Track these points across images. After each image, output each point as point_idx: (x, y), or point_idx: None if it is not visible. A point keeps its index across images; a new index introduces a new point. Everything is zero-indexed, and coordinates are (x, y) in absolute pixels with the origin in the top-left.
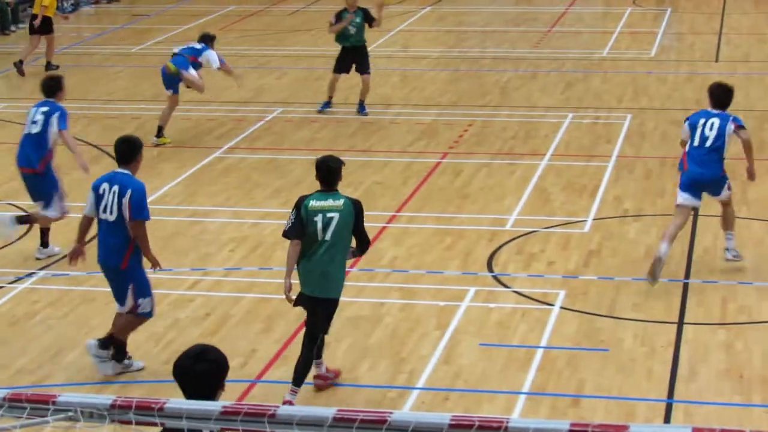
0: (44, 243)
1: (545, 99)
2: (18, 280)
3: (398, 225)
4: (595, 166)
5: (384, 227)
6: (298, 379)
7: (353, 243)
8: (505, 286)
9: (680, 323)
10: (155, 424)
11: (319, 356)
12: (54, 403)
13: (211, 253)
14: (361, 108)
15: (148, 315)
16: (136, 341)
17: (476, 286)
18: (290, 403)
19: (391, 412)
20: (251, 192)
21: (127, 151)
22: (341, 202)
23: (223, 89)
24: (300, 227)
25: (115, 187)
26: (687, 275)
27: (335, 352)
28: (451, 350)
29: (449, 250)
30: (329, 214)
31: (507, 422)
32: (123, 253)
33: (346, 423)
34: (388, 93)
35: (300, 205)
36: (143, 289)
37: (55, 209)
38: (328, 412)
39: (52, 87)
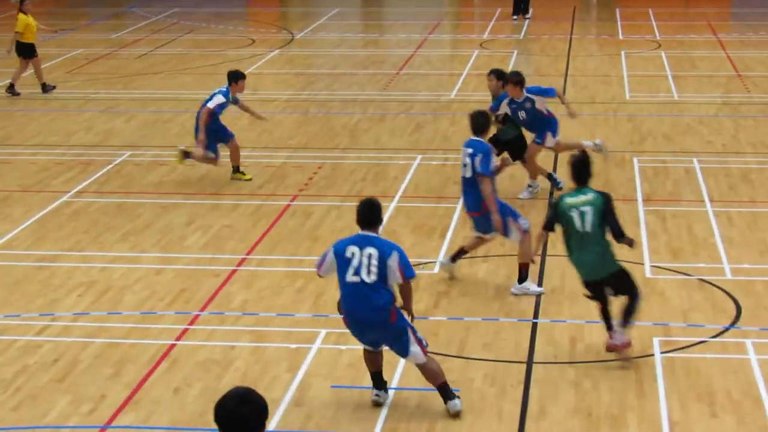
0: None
1: (394, 141)
2: None
3: (248, 268)
4: (444, 207)
5: (234, 270)
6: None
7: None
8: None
9: (529, 362)
10: None
11: (626, 322)
12: None
13: (60, 298)
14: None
15: None
16: None
17: (327, 328)
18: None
19: None
20: (100, 236)
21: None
22: (592, 196)
23: (71, 134)
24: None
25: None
26: (536, 314)
27: (186, 397)
28: (303, 392)
29: (300, 292)
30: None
31: None
32: None
33: None
34: (237, 135)
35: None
36: None
37: None
38: None
39: None
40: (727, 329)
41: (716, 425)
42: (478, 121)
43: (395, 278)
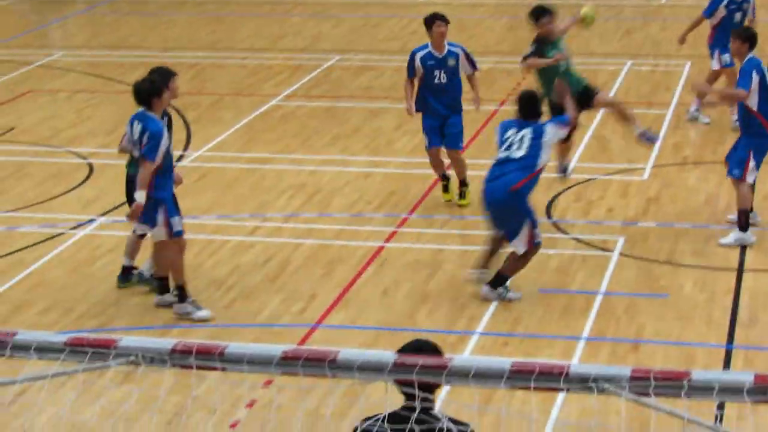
0: None
1: (603, 46)
2: (78, 226)
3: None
4: (654, 113)
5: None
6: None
7: None
8: (564, 232)
9: (740, 270)
10: (215, 369)
11: None
12: (115, 347)
13: (270, 200)
14: None
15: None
16: (197, 287)
17: None
18: None
19: (451, 358)
20: (309, 139)
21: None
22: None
23: (280, 38)
24: None
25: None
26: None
27: (394, 297)
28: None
29: None
30: None
31: (568, 367)
32: None
33: (407, 368)
34: None
35: None
36: None
37: None
38: (388, 356)
39: None
40: None
41: None
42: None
43: None
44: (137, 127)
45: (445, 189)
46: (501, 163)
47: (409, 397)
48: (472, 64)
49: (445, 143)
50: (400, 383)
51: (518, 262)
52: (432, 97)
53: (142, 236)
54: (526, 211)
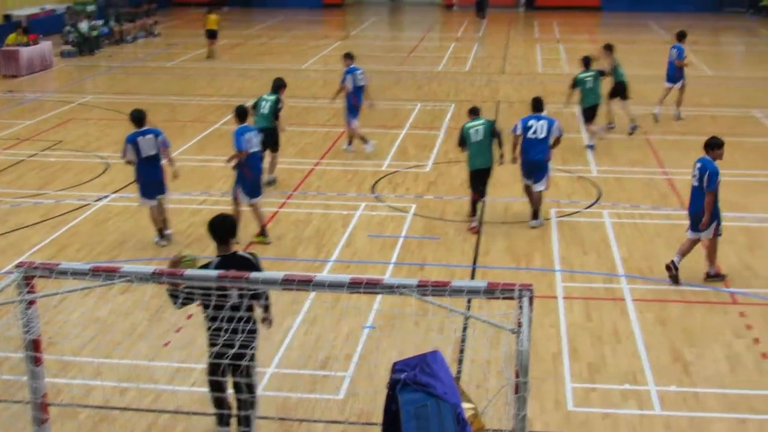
0: None
1: (405, 94)
2: (99, 200)
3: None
4: (434, 133)
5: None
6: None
7: None
8: (382, 201)
9: (480, 224)
10: (178, 282)
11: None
12: (119, 272)
13: (212, 183)
14: None
15: None
16: (173, 234)
17: (365, 202)
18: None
19: (314, 275)
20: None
21: None
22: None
23: (219, 88)
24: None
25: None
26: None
27: (285, 241)
28: (351, 239)
29: (350, 181)
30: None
31: (382, 280)
32: None
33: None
34: None
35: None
36: None
37: None
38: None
39: None
40: (592, 204)
41: (585, 259)
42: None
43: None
44: (149, 137)
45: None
46: (532, 143)
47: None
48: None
49: None
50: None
51: (541, 199)
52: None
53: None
54: (547, 167)
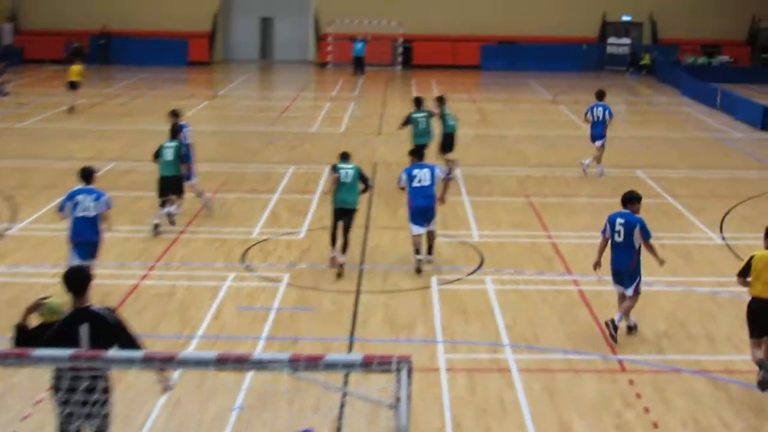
0: None
1: (277, 156)
2: None
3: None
4: (308, 197)
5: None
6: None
7: None
8: (253, 271)
9: (358, 292)
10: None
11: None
12: None
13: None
14: None
15: None
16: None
17: (234, 272)
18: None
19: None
20: None
21: None
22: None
23: (77, 151)
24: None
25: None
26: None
27: (145, 316)
28: (218, 313)
29: (217, 250)
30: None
31: (252, 354)
32: None
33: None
34: None
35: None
36: None
37: None
38: None
39: None
40: (475, 270)
41: (468, 328)
42: None
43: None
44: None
45: None
46: (421, 188)
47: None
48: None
49: None
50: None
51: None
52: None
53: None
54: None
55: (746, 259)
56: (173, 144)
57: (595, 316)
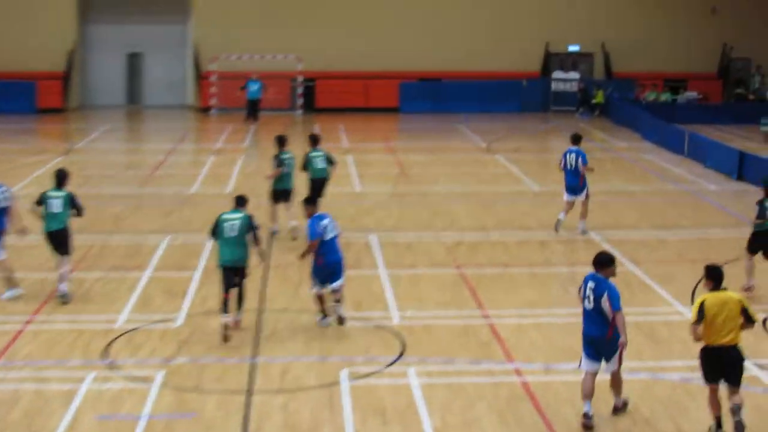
0: None
1: (149, 224)
2: None
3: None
4: (187, 275)
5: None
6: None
7: None
8: (121, 369)
9: (250, 392)
10: None
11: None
12: None
13: None
14: None
15: None
16: None
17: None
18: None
19: None
20: None
21: None
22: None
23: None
24: None
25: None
26: None
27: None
28: (74, 423)
29: (73, 344)
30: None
31: None
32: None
33: None
34: None
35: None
36: None
37: None
38: None
39: None
40: (395, 360)
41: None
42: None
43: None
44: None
45: None
46: (329, 243)
47: None
48: None
49: None
50: None
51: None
52: None
53: None
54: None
55: (697, 304)
56: (61, 194)
57: (543, 413)
